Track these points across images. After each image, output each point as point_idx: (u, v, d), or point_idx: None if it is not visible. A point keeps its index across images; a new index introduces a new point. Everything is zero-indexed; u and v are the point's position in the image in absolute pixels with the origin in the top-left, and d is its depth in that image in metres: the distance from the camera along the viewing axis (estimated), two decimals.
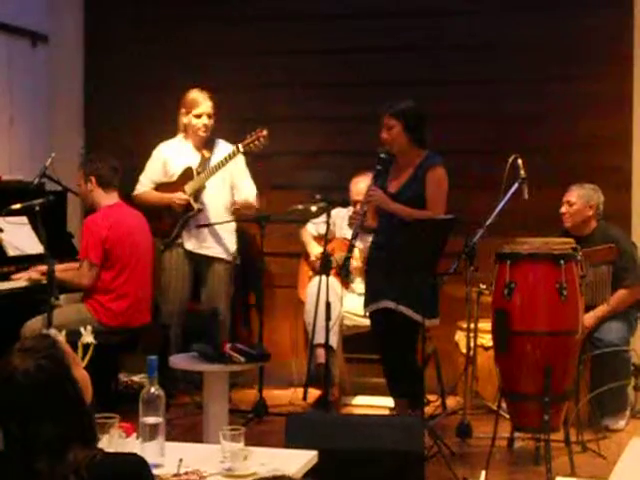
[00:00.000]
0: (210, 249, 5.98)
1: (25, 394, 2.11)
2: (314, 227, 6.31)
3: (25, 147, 6.77)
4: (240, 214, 6.04)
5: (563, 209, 5.56)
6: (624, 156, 6.16)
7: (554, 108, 6.30)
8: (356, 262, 5.99)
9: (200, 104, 5.96)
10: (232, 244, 6.04)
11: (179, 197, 5.89)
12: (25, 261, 5.49)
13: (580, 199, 5.54)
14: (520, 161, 5.02)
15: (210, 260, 5.99)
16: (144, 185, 6.07)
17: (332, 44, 6.64)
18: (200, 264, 6.02)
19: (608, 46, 6.21)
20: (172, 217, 5.94)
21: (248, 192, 5.99)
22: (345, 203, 6.11)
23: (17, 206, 5.18)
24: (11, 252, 5.52)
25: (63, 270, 5.33)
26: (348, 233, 6.03)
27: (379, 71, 6.56)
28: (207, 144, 6.01)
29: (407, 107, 5.07)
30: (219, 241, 5.98)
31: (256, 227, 5.89)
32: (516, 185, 5.00)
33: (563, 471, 4.38)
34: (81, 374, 2.26)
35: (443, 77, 6.43)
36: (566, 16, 6.31)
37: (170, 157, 6.05)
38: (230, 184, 6.00)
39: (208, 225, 5.91)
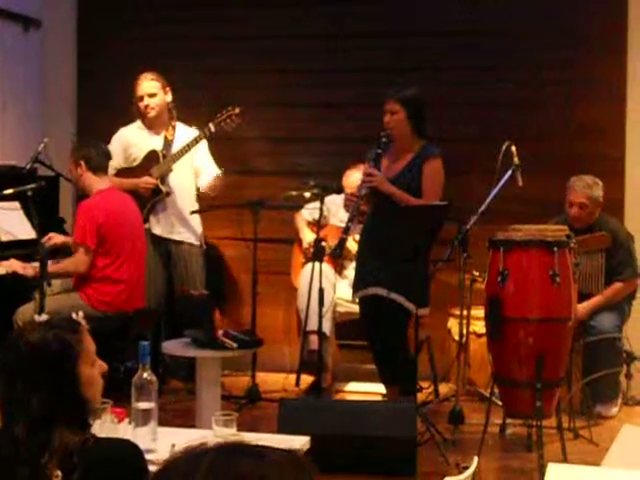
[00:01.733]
0: (179, 234, 5.93)
1: (20, 361, 2.17)
2: (309, 213, 6.29)
3: (17, 132, 6.75)
4: (208, 195, 5.98)
5: (575, 212, 5.45)
6: (617, 144, 6.17)
7: (548, 95, 6.30)
8: (352, 249, 5.96)
9: (138, 87, 5.93)
10: (199, 228, 6.02)
11: (146, 181, 5.81)
12: (17, 246, 5.48)
13: (591, 201, 5.44)
14: (514, 148, 5.01)
15: (179, 245, 5.95)
16: None
17: (329, 29, 6.62)
18: (169, 249, 5.96)
19: (602, 34, 6.20)
20: (138, 203, 5.73)
21: (212, 173, 5.93)
22: (339, 190, 6.10)
23: (9, 191, 5.17)
24: (3, 237, 5.50)
25: (62, 242, 5.34)
26: (342, 220, 6.03)
27: (372, 57, 6.54)
28: (168, 127, 5.96)
29: (413, 95, 5.07)
30: (187, 225, 5.94)
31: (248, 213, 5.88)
32: (509, 172, 5.00)
33: (555, 457, 4.38)
34: (90, 374, 2.26)
35: (437, 63, 6.42)
36: (561, 4, 6.31)
37: (132, 142, 5.99)
38: (192, 167, 5.95)
39: (202, 211, 5.89)
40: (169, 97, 5.96)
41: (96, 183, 5.37)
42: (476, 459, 2.79)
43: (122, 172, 5.94)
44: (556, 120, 6.29)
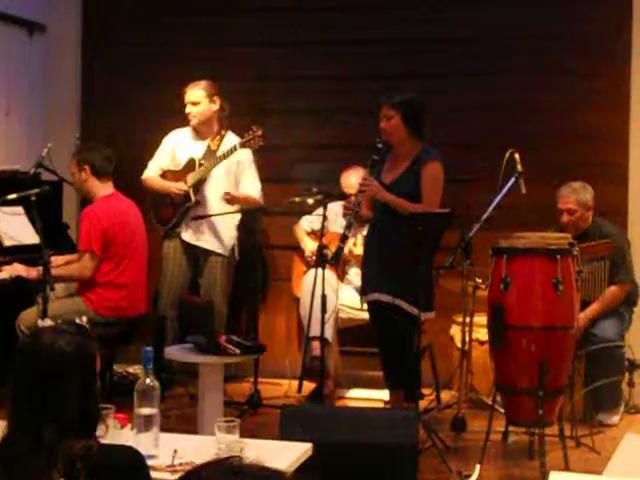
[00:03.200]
0: (206, 242, 5.97)
1: (45, 362, 2.18)
2: (307, 223, 6.31)
3: (21, 137, 6.75)
4: (241, 208, 6.02)
5: (565, 218, 5.48)
6: (621, 151, 6.17)
7: (552, 103, 6.30)
8: (358, 250, 5.95)
9: (184, 94, 5.97)
10: (230, 239, 6.02)
11: (178, 187, 5.89)
12: (20, 251, 5.48)
13: (579, 206, 5.48)
14: (517, 155, 5.01)
15: (206, 253, 5.99)
16: (151, 170, 6.09)
17: (330, 36, 6.64)
18: (197, 256, 6.02)
19: (606, 42, 6.21)
20: (172, 206, 5.95)
21: (251, 187, 5.98)
22: (342, 196, 6.11)
23: (13, 196, 5.17)
24: (7, 242, 5.50)
25: (64, 263, 5.34)
26: (342, 226, 6.03)
27: (377, 64, 6.55)
28: (215, 136, 5.99)
29: (407, 98, 5.08)
30: (216, 234, 5.97)
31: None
32: (513, 179, 4.99)
33: (557, 466, 4.38)
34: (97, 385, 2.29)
35: (441, 70, 6.43)
36: (565, 11, 6.31)
37: (178, 145, 6.06)
38: (235, 178, 5.99)
39: (203, 217, 5.90)
40: (216, 106, 5.97)
41: (100, 189, 5.37)
42: (478, 467, 2.80)
43: (168, 174, 6.04)
44: (560, 127, 6.29)
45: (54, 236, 5.56)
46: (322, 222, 5.60)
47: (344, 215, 5.39)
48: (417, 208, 4.95)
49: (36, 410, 2.14)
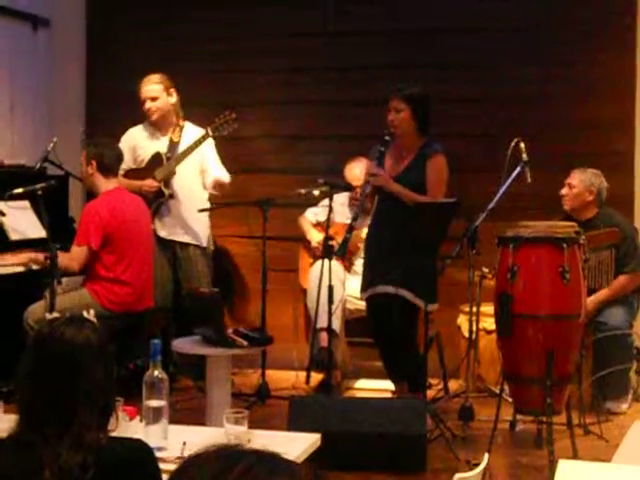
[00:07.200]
0: (182, 235, 5.96)
1: (65, 354, 2.16)
2: (312, 215, 6.30)
3: (27, 131, 6.76)
4: (215, 195, 6.02)
5: (563, 191, 5.60)
6: (627, 140, 6.16)
7: (557, 92, 6.29)
8: (361, 243, 5.95)
9: (140, 90, 5.96)
10: (205, 229, 6.03)
11: (149, 184, 5.84)
12: (27, 245, 5.49)
13: (581, 183, 5.56)
14: (522, 145, 5.01)
15: (183, 246, 5.98)
16: None
17: (330, 28, 6.62)
18: (174, 251, 6.00)
19: (612, 30, 6.19)
20: None
21: (220, 172, 5.96)
22: (348, 188, 6.10)
23: (19, 190, 5.18)
24: (13, 236, 5.52)
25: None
26: (348, 217, 6.03)
27: (379, 54, 6.54)
28: (175, 128, 5.98)
29: (417, 92, 5.07)
30: (191, 227, 5.96)
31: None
32: (518, 169, 4.99)
33: (565, 454, 4.38)
34: None
35: (444, 60, 6.42)
36: (568, 0, 6.30)
37: (138, 143, 6.02)
38: (200, 168, 5.97)
39: (211, 209, 5.91)
40: (173, 99, 5.97)
41: (103, 184, 5.37)
42: (486, 456, 2.79)
43: (130, 173, 5.97)
44: (565, 116, 6.28)
45: (60, 230, 5.57)
46: (328, 213, 5.60)
47: (350, 206, 5.40)
48: (424, 199, 4.96)
49: (51, 402, 2.13)
